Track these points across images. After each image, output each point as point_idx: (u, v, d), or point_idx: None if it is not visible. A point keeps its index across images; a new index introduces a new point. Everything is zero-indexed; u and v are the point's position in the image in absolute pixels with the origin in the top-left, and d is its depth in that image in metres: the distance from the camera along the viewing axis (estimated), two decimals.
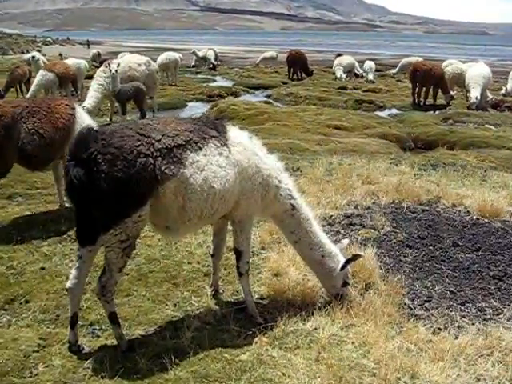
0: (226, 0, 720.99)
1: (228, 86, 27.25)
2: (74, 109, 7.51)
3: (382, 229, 7.17)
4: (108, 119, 15.47)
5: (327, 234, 6.92)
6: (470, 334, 4.77)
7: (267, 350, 4.49)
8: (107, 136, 4.06)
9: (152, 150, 4.11)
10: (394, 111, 21.37)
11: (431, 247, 6.68)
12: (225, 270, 5.88)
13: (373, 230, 7.09)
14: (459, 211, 7.98)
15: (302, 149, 12.63)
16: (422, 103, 21.99)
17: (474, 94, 20.50)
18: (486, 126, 17.50)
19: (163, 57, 26.38)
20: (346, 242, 5.46)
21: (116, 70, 13.34)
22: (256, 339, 4.60)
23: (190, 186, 4.26)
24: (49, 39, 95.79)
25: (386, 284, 5.51)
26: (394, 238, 6.88)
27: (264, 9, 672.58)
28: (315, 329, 4.78)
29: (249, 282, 5.05)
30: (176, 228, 4.46)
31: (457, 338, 4.73)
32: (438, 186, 9.17)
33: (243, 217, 4.80)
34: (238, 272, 5.03)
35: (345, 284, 5.15)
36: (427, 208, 8.09)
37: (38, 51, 59.94)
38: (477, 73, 21.05)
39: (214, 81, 31.38)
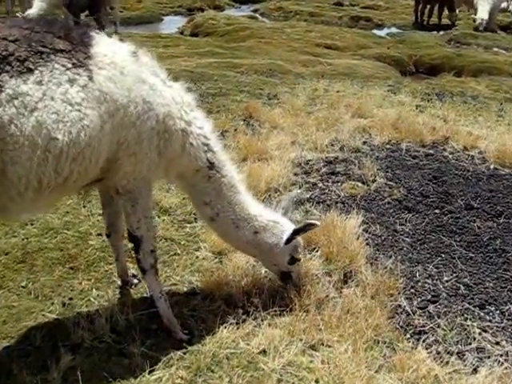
0: None
1: None
2: None
3: (374, 181, 5.44)
4: None
5: (300, 185, 5.30)
6: (495, 362, 3.17)
7: None
8: None
9: None
10: (394, 30, 19.11)
11: (437, 210, 4.98)
12: None
13: (360, 184, 5.36)
14: (472, 157, 6.23)
15: (284, 71, 10.69)
16: (425, 22, 19.69)
17: (481, 14, 18.26)
18: (496, 49, 15.50)
19: None
20: (294, 192, 4.20)
21: None
22: (167, 374, 2.96)
23: (10, 137, 2.47)
24: None
25: (374, 273, 3.85)
26: (389, 196, 5.16)
27: None
28: (263, 352, 3.15)
29: (158, 280, 3.32)
30: (2, 206, 2.69)
31: (475, 370, 3.12)
32: (445, 122, 7.38)
33: (131, 183, 3.01)
34: (139, 267, 3.31)
35: (293, 260, 3.52)
36: (432, 152, 6.34)
37: None
38: None
39: None
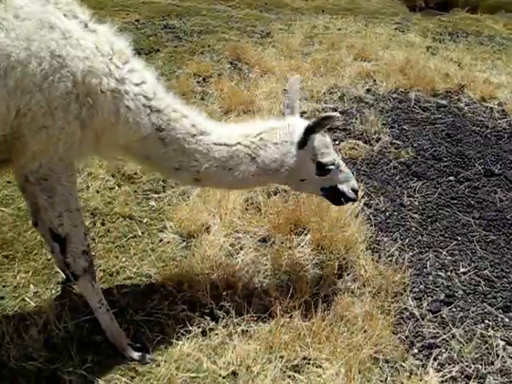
0: None
1: None
2: None
3: (378, 140, 4.66)
4: None
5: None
6: None
7: None
8: None
9: None
10: None
11: (451, 177, 4.23)
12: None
13: (362, 143, 4.59)
14: (491, 110, 5.44)
15: (281, 5, 9.66)
16: None
17: None
18: None
19: None
20: (294, 79, 2.96)
21: None
22: None
23: None
24: None
25: (376, 263, 3.14)
26: (395, 159, 4.40)
27: None
28: (232, 374, 2.49)
29: (96, 287, 2.55)
30: None
31: None
32: (459, 66, 6.53)
33: (44, 168, 2.22)
34: (69, 273, 2.55)
35: (323, 168, 2.64)
36: (445, 103, 5.53)
37: None
38: None
39: None
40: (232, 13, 8.70)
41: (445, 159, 4.44)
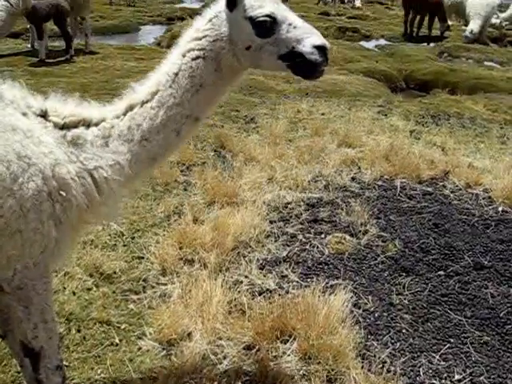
0: None
1: (195, 7, 23.73)
2: None
3: (364, 233, 4.57)
4: (29, 45, 12.36)
5: (275, 238, 4.44)
6: None
7: None
8: None
9: None
10: (383, 42, 18.31)
11: (441, 271, 4.12)
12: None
13: (349, 237, 4.49)
14: (477, 197, 5.40)
15: (266, 87, 9.83)
16: (414, 34, 18.93)
17: (472, 25, 17.61)
18: (489, 63, 14.83)
19: None
20: None
21: None
22: None
23: None
24: None
25: (366, 373, 2.96)
26: (382, 253, 4.29)
27: None
28: None
29: None
30: None
31: None
32: (443, 151, 6.57)
33: (21, 273, 2.06)
34: None
35: (262, 26, 2.25)
36: (431, 190, 5.50)
37: None
38: (480, 1, 17.95)
39: (182, 1, 27.89)
40: None
41: (433, 252, 4.34)
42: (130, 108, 2.33)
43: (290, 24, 2.25)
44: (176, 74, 2.32)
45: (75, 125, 2.22)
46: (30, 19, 10.75)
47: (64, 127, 2.19)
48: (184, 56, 2.33)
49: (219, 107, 8.09)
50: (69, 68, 10.81)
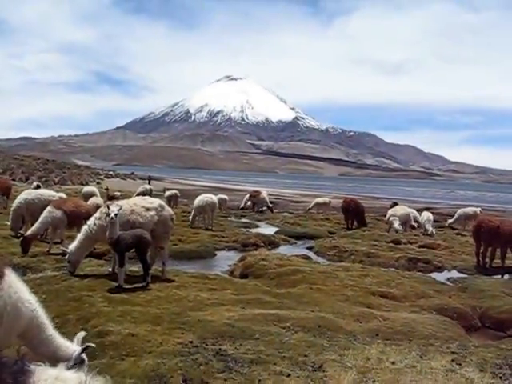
0: (287, 145, 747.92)
1: (268, 233, 24.95)
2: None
3: None
4: (110, 269, 13.20)
5: None
6: None
7: None
8: None
9: None
10: (455, 274, 18.17)
11: None
12: None
13: None
14: None
15: (335, 328, 9.78)
16: (487, 265, 18.82)
17: None
18: None
19: (200, 198, 24.88)
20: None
21: (116, 214, 11.29)
22: None
23: None
24: (111, 172, 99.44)
25: None
26: None
27: (323, 155, 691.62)
28: None
29: None
30: None
31: None
32: None
33: None
34: None
35: None
36: None
37: (98, 183, 61.41)
38: None
39: (257, 226, 29.50)
40: (285, 338, 8.78)
41: None
42: None
43: None
44: None
45: None
46: (114, 248, 11.61)
47: None
48: None
49: (287, 350, 8.07)
50: (144, 296, 11.23)
